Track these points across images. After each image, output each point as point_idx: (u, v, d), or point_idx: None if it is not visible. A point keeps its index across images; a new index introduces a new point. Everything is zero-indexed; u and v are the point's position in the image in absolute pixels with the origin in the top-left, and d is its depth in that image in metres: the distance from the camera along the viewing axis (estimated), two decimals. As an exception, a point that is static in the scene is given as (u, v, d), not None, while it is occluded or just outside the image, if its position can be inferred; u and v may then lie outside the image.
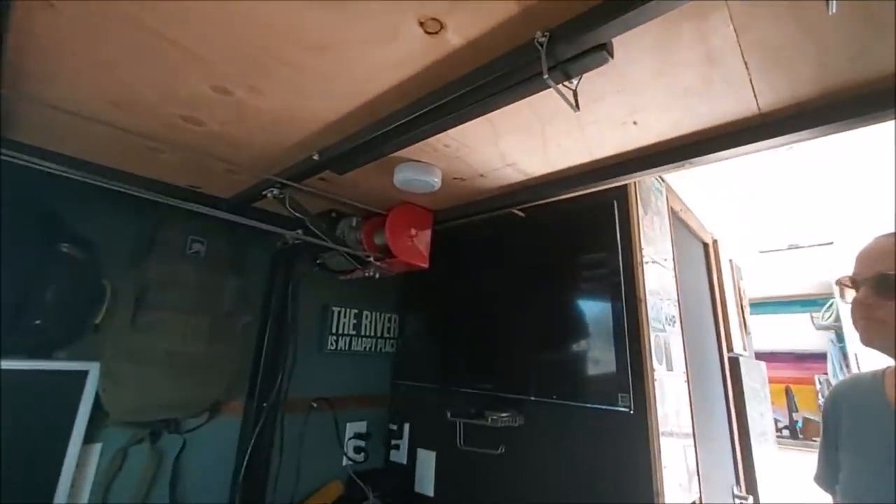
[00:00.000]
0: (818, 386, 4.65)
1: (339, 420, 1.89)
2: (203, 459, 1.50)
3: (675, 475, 1.30)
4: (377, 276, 1.48)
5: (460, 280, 1.92)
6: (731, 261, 2.55)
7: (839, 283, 0.87)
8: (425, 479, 1.85)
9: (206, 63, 0.83)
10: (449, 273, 1.89)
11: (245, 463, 1.49)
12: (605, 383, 1.35)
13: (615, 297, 1.39)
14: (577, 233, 1.55)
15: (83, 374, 1.23)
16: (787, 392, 4.83)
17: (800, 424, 4.72)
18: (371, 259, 1.40)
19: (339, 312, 1.97)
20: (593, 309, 1.46)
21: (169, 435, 1.42)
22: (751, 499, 1.86)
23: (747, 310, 2.66)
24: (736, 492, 1.85)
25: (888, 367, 0.87)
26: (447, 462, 1.80)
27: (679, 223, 1.91)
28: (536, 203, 1.38)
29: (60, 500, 1.15)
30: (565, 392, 1.44)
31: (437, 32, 0.74)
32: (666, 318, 1.48)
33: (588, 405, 1.39)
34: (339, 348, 1.94)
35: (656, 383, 1.31)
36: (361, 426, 1.99)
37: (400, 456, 1.98)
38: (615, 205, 1.45)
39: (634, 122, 1.01)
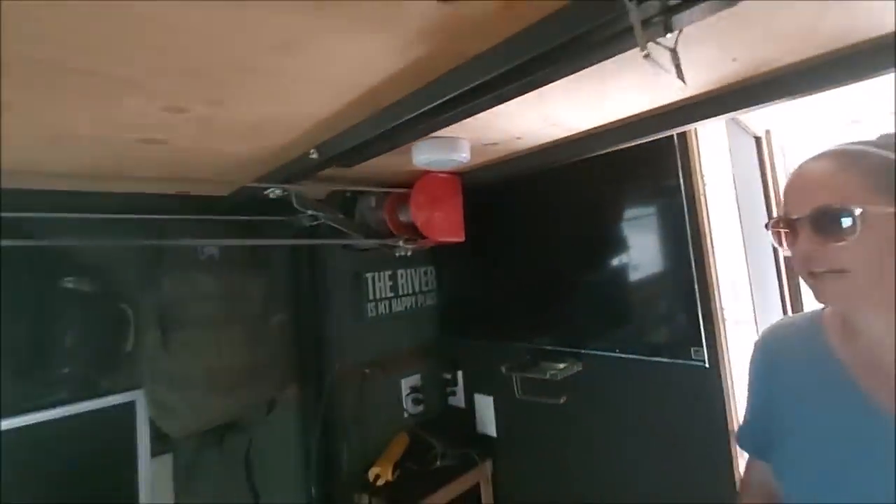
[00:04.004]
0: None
1: (394, 379, 1.89)
2: (274, 447, 1.53)
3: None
4: (409, 254, 1.32)
5: (502, 230, 1.73)
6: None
7: (771, 227, 0.61)
8: (486, 421, 1.88)
9: (140, 85, 0.60)
10: (488, 224, 1.70)
11: (316, 443, 1.54)
12: (674, 333, 1.26)
13: (678, 236, 1.24)
14: (629, 170, 1.33)
15: (131, 405, 1.20)
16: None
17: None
18: (400, 243, 1.22)
19: (373, 277, 1.86)
20: (650, 251, 1.33)
21: (235, 435, 1.42)
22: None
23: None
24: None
25: (825, 309, 0.66)
26: (506, 407, 1.81)
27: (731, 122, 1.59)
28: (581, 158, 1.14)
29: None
30: (628, 344, 1.36)
31: None
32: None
33: (654, 359, 1.30)
34: (379, 314, 1.87)
35: (728, 332, 1.18)
36: (416, 380, 1.99)
37: (457, 401, 2.01)
38: (675, 139, 1.20)
39: (734, 59, 0.72)
